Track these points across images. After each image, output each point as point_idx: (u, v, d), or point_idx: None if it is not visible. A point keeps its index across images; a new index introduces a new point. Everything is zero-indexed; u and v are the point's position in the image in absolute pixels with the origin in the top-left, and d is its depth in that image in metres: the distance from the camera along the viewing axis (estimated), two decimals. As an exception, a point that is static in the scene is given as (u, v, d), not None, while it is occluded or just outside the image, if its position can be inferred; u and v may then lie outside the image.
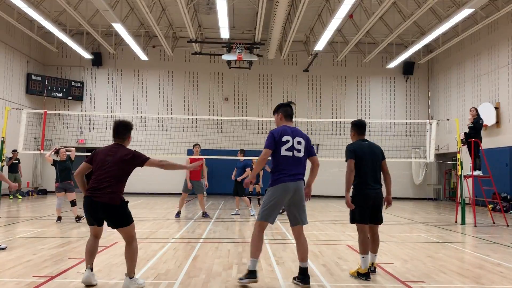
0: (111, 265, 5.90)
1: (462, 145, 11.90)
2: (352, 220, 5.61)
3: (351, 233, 9.53)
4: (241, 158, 13.05)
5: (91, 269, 4.82)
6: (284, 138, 4.98)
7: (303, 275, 4.96)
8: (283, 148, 4.95)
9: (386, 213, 14.33)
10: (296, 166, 4.98)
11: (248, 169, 12.64)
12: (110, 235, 8.64)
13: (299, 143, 5.04)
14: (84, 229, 9.33)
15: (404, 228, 10.73)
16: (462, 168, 11.68)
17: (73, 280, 5.07)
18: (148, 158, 4.82)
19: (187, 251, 7.01)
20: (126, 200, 4.76)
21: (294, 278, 5.12)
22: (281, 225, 10.69)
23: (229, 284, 5.07)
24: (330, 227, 10.67)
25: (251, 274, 4.95)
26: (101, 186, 4.65)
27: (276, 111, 5.38)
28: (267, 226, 5.06)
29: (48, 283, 4.91)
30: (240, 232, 9.19)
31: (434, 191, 22.83)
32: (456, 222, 11.98)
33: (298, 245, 5.03)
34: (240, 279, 5.04)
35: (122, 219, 4.68)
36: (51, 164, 10.56)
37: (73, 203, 10.39)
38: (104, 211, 4.64)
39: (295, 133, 5.09)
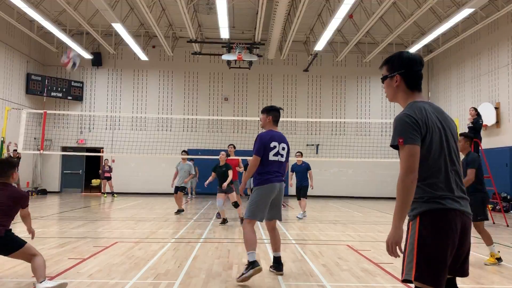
0: (111, 265, 5.90)
1: (462, 145, 11.88)
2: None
3: (351, 233, 9.53)
4: (300, 160, 12.50)
5: None
6: (272, 144, 5.38)
7: (277, 263, 5.48)
8: (271, 153, 5.36)
9: (386, 213, 14.35)
10: (280, 169, 5.47)
11: (310, 171, 12.39)
12: (110, 235, 8.64)
13: (283, 148, 5.48)
14: (83, 229, 9.34)
15: (404, 228, 10.71)
16: (462, 168, 11.66)
17: (73, 280, 5.07)
18: (27, 206, 4.91)
19: (187, 251, 7.01)
20: (9, 228, 4.72)
21: (271, 267, 5.66)
22: (281, 225, 10.69)
23: (229, 284, 5.07)
24: (330, 227, 10.67)
25: (253, 264, 5.01)
26: None
27: (267, 112, 5.64)
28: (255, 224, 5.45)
29: (48, 283, 4.90)
30: (240, 232, 9.19)
31: (434, 191, 22.81)
32: (456, 222, 11.96)
33: (272, 237, 5.54)
34: (241, 275, 5.05)
35: (12, 246, 4.66)
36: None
37: (236, 205, 10.48)
38: None
39: (280, 139, 5.50)
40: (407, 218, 2.61)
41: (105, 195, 19.69)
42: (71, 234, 8.62)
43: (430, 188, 2.52)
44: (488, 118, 16.63)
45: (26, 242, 4.74)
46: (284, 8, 15.09)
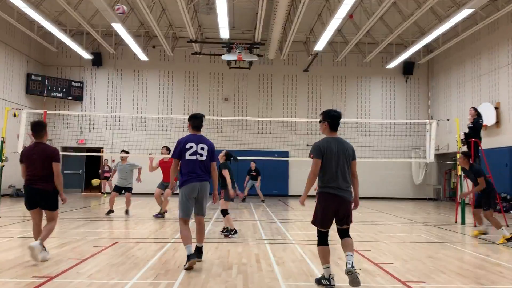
0: (111, 265, 5.90)
1: (462, 145, 11.89)
2: None
3: (351, 233, 9.50)
4: None
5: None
6: (188, 145, 5.96)
7: (198, 252, 6.17)
8: (187, 153, 5.94)
9: (386, 213, 14.35)
10: (200, 168, 5.98)
11: None
12: (110, 235, 8.65)
13: (202, 148, 6.01)
14: (83, 229, 9.34)
15: (404, 228, 10.72)
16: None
17: (72, 280, 5.08)
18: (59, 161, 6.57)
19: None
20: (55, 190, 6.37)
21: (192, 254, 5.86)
22: (281, 225, 10.70)
23: (229, 284, 5.08)
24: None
25: (189, 257, 5.71)
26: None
27: (188, 120, 6.26)
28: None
29: (48, 283, 4.91)
30: (239, 232, 9.18)
31: (434, 191, 22.82)
32: (456, 222, 11.98)
33: (198, 229, 6.26)
34: (184, 267, 5.78)
35: (55, 205, 6.54)
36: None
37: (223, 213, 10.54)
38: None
39: (199, 140, 6.06)
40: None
41: (105, 195, 19.69)
42: (71, 234, 8.62)
43: (324, 181, 4.97)
44: (488, 118, 16.61)
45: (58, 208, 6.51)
46: (284, 8, 15.08)
